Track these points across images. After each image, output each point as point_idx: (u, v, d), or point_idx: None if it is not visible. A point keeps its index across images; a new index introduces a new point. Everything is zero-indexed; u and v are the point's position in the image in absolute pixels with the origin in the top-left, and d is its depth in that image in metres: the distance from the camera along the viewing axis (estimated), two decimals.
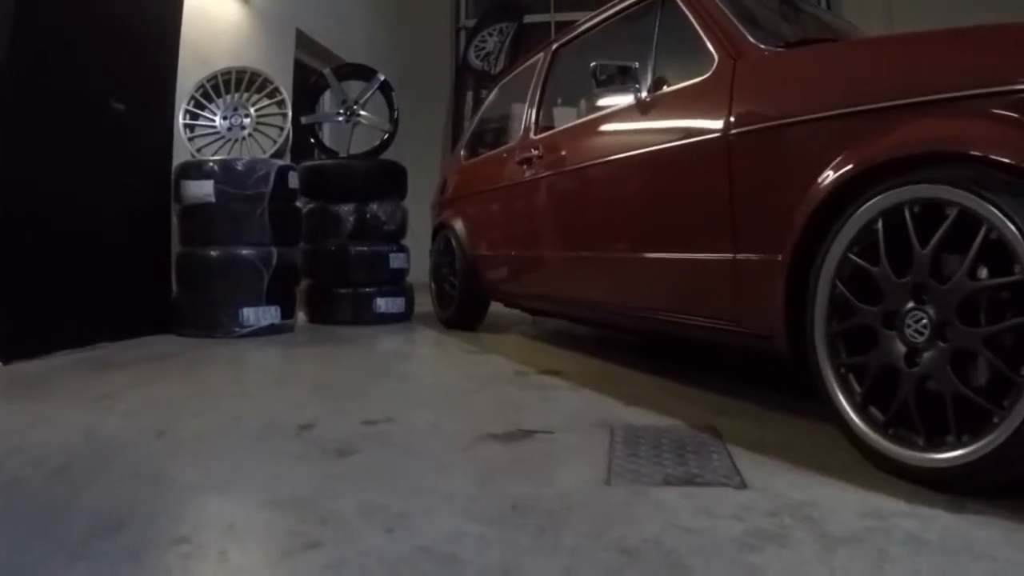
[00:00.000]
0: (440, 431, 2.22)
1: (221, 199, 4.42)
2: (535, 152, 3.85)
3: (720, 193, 2.43)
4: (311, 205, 5.27)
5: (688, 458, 1.94)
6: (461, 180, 5.09)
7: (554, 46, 4.25)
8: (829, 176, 1.98)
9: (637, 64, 3.04)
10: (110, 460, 1.91)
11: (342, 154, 5.44)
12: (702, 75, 2.67)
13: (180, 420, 2.35)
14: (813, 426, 2.19)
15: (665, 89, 2.93)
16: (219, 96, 4.82)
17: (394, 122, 5.44)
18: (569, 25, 4.28)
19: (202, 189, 4.45)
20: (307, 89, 5.66)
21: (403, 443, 2.08)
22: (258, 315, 4.49)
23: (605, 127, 3.29)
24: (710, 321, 2.58)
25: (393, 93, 5.46)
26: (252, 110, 4.77)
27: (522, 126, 4.23)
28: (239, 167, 4.45)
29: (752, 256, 2.32)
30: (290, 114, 4.79)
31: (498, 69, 9.67)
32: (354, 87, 5.60)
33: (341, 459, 1.91)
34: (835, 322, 1.94)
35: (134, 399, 2.67)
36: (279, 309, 4.59)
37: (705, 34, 2.75)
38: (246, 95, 4.78)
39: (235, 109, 4.80)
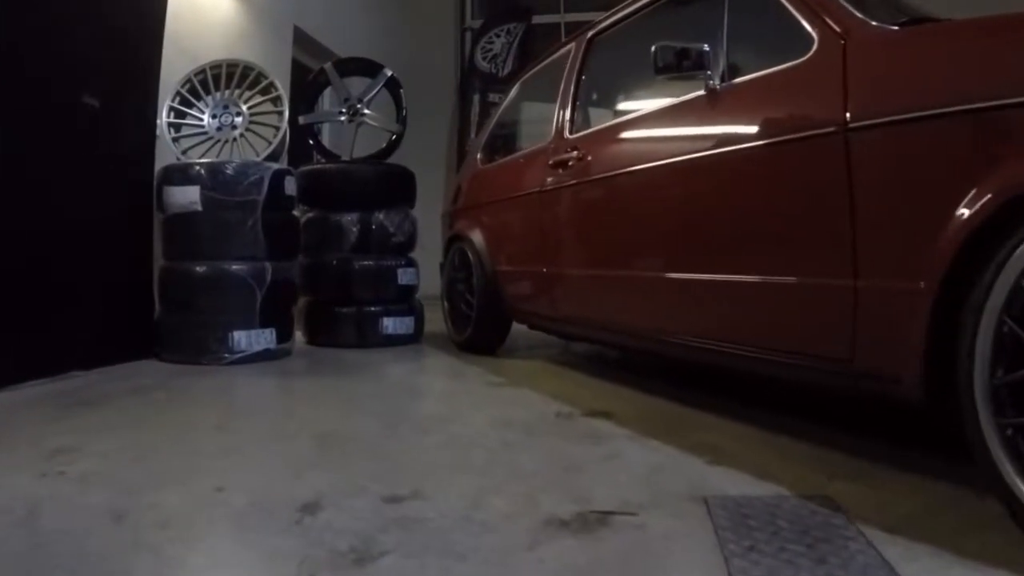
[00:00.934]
0: (487, 513, 1.68)
1: (208, 207, 3.91)
2: (573, 154, 3.34)
3: (835, 202, 1.93)
4: (310, 214, 4.75)
5: (821, 549, 1.46)
6: (479, 187, 4.57)
7: (590, 34, 3.74)
8: (995, 182, 1.50)
9: (707, 47, 2.52)
10: (44, 565, 1.37)
11: (344, 157, 4.90)
12: (796, 59, 2.17)
13: (146, 492, 1.81)
14: (955, 491, 1.77)
15: (745, 77, 2.42)
16: (208, 92, 4.30)
17: (402, 122, 4.92)
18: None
19: (187, 196, 3.93)
20: (305, 86, 5.12)
21: (442, 536, 1.55)
22: (250, 339, 3.96)
23: (666, 123, 2.80)
24: (808, 359, 2.08)
25: (401, 91, 4.94)
26: (244, 108, 4.25)
27: (553, 125, 3.72)
28: (229, 171, 3.92)
29: (881, 283, 1.83)
30: (287, 113, 4.26)
31: (506, 71, 9.21)
32: (358, 84, 5.08)
33: (360, 568, 1.38)
34: (1002, 370, 1.47)
35: (96, 455, 2.14)
36: (274, 331, 4.06)
37: (797, 9, 2.24)
38: (238, 91, 4.26)
39: (225, 107, 4.28)
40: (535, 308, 3.89)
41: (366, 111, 4.87)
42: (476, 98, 9.21)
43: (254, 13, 5.75)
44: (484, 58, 9.36)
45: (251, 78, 4.25)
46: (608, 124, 3.26)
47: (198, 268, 3.94)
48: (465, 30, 9.87)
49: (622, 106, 3.64)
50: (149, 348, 4.01)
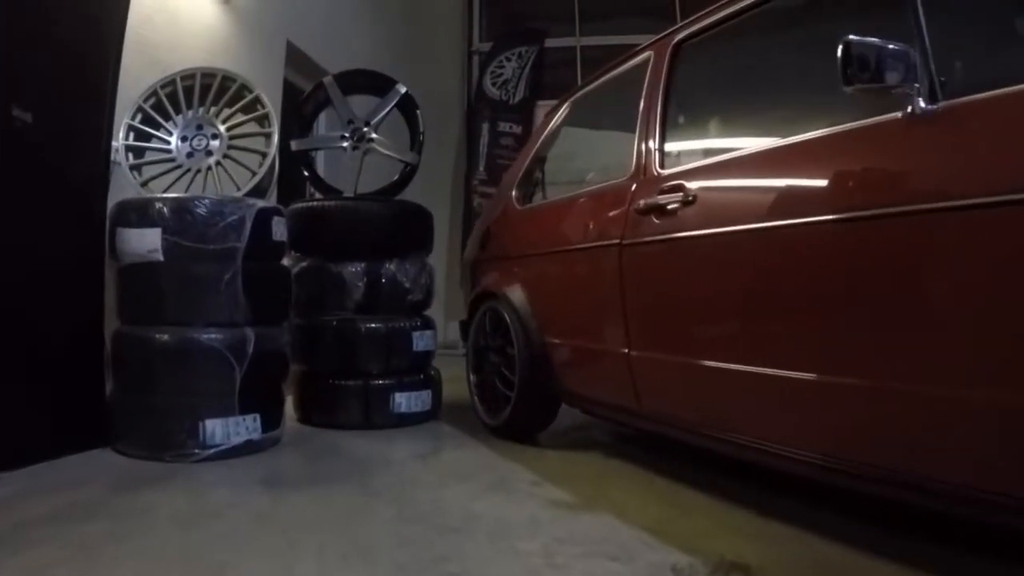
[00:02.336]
0: None
1: (173, 257, 2.99)
2: (674, 197, 2.43)
3: None
4: (304, 264, 3.80)
5: None
6: (517, 233, 3.65)
7: (678, 37, 2.85)
8: None
9: (911, 50, 1.67)
10: None
11: (347, 193, 3.94)
12: None
13: None
14: None
15: (979, 96, 1.55)
16: (177, 110, 3.36)
17: (418, 150, 3.99)
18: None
19: (145, 241, 3.01)
20: (300, 104, 4.18)
21: None
22: (227, 429, 3.02)
23: (836, 157, 1.91)
24: None
25: (418, 112, 4.02)
26: (223, 129, 3.32)
27: (633, 157, 2.81)
28: (200, 210, 2.99)
29: None
30: (276, 136, 3.33)
31: (517, 98, 8.39)
32: (363, 104, 4.15)
33: None
34: None
35: None
36: (258, 418, 3.12)
37: None
38: (215, 109, 3.33)
39: (199, 127, 3.35)
40: (604, 396, 2.97)
41: (374, 136, 3.94)
42: (485, 127, 8.38)
43: (242, 23, 4.89)
44: (493, 84, 8.55)
45: (232, 92, 3.33)
46: (732, 156, 2.34)
47: (160, 336, 3.00)
48: (473, 53, 9.03)
49: (734, 132, 2.74)
50: (101, 435, 3.07)
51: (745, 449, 2.25)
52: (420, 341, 3.81)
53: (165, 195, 3.08)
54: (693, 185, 2.40)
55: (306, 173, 4.04)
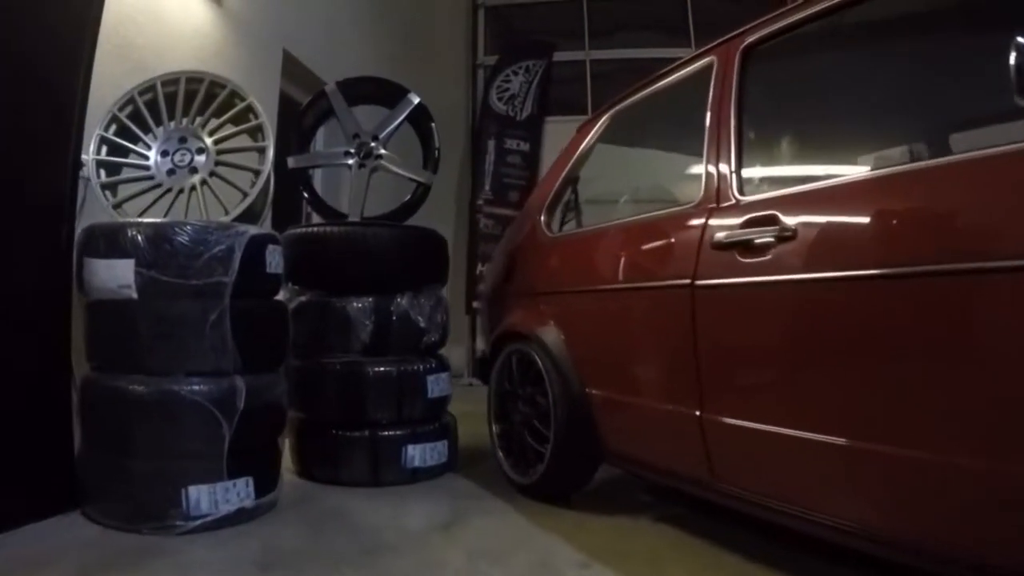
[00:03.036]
0: None
1: (149, 294, 2.52)
2: (767, 230, 1.97)
3: None
4: (303, 299, 3.31)
5: None
6: (552, 265, 3.19)
7: (749, 40, 2.41)
8: None
9: None
10: None
11: (353, 216, 3.45)
12: None
13: None
14: None
15: None
16: (158, 121, 2.89)
17: (434, 167, 3.52)
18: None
19: (116, 275, 2.54)
20: (299, 115, 3.69)
21: None
22: (215, 497, 2.55)
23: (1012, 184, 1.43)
24: None
25: (433, 125, 3.55)
26: (209, 142, 2.84)
27: (703, 181, 2.36)
28: (182, 238, 2.52)
29: None
30: (271, 151, 2.85)
31: (524, 114, 7.96)
32: (369, 115, 3.69)
33: None
34: None
35: None
36: (251, 482, 2.65)
37: None
38: (200, 119, 2.85)
39: (182, 141, 2.87)
40: (663, 462, 2.50)
41: (383, 152, 3.46)
42: (491, 144, 7.95)
43: (235, 27, 4.47)
44: (500, 99, 8.13)
45: (220, 100, 2.86)
46: (843, 182, 1.88)
47: (134, 387, 2.52)
48: (477, 67, 8.61)
49: (825, 151, 2.28)
50: (69, 498, 2.62)
51: (854, 536, 1.77)
52: (435, 386, 3.32)
53: (140, 220, 2.60)
54: (791, 217, 1.94)
55: (305, 194, 3.55)
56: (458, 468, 3.52)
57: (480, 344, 7.90)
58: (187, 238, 2.52)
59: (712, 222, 2.25)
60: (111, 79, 3.11)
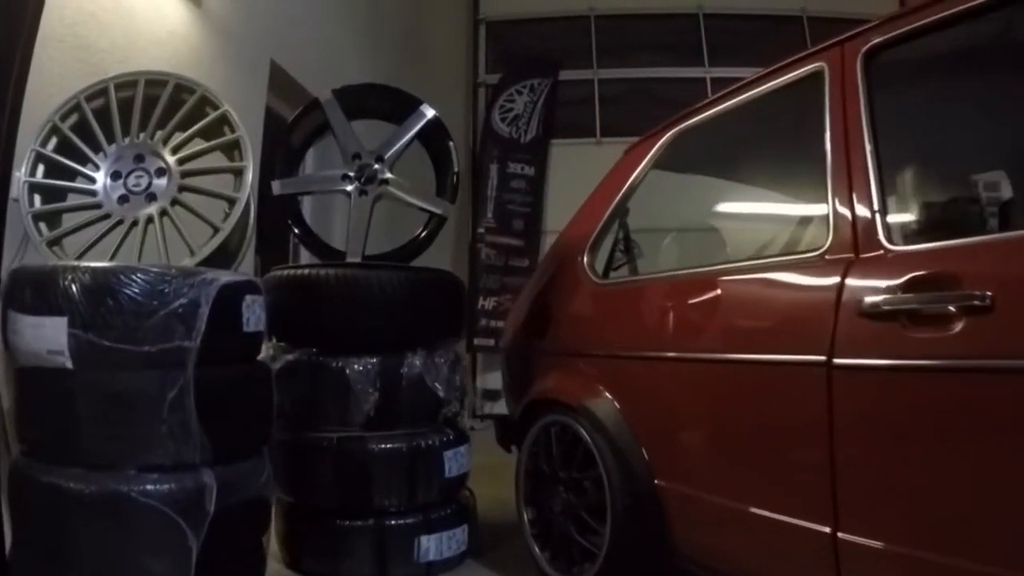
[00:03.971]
0: None
1: (88, 363, 1.89)
2: (947, 296, 1.38)
3: None
4: (290, 358, 2.64)
5: None
6: (605, 320, 2.60)
7: (873, 42, 1.82)
8: None
9: None
10: None
11: (352, 256, 2.78)
12: None
13: None
14: None
15: None
16: (110, 136, 2.25)
17: (451, 194, 2.88)
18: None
19: (44, 337, 1.92)
20: (287, 128, 3.02)
21: None
22: None
23: None
24: None
25: (451, 144, 2.92)
26: (172, 161, 2.20)
27: (830, 222, 1.78)
28: (130, 289, 1.89)
29: None
30: (252, 173, 2.21)
31: (529, 136, 7.39)
32: (371, 130, 3.06)
33: None
34: None
35: None
36: None
37: None
38: (161, 133, 2.22)
39: (138, 159, 2.24)
40: None
41: (389, 176, 2.81)
42: (494, 168, 7.37)
43: (217, 33, 3.89)
44: (503, 120, 7.56)
45: (188, 107, 2.22)
46: None
47: (72, 484, 1.89)
48: (479, 86, 8.03)
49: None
50: None
51: None
52: (454, 463, 2.69)
53: (76, 264, 1.95)
54: (981, 278, 1.33)
55: (294, 228, 2.89)
56: (479, 552, 2.89)
57: (481, 382, 7.27)
58: (138, 289, 1.88)
59: (853, 281, 1.65)
60: (67, 87, 2.51)
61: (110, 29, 3.11)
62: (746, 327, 1.97)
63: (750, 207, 2.78)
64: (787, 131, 2.19)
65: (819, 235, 1.82)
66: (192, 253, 2.09)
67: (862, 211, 1.72)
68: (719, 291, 2.09)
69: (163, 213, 2.15)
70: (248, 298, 2.10)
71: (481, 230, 7.20)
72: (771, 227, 2.34)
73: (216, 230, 2.11)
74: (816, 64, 2.03)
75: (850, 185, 1.78)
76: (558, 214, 7.59)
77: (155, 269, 1.92)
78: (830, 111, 1.91)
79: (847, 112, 1.86)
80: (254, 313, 2.12)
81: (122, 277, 1.88)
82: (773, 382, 1.81)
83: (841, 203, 1.78)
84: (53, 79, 2.72)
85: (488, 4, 8.23)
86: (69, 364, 1.90)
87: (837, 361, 1.62)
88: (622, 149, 2.86)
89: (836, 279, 1.69)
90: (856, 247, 1.70)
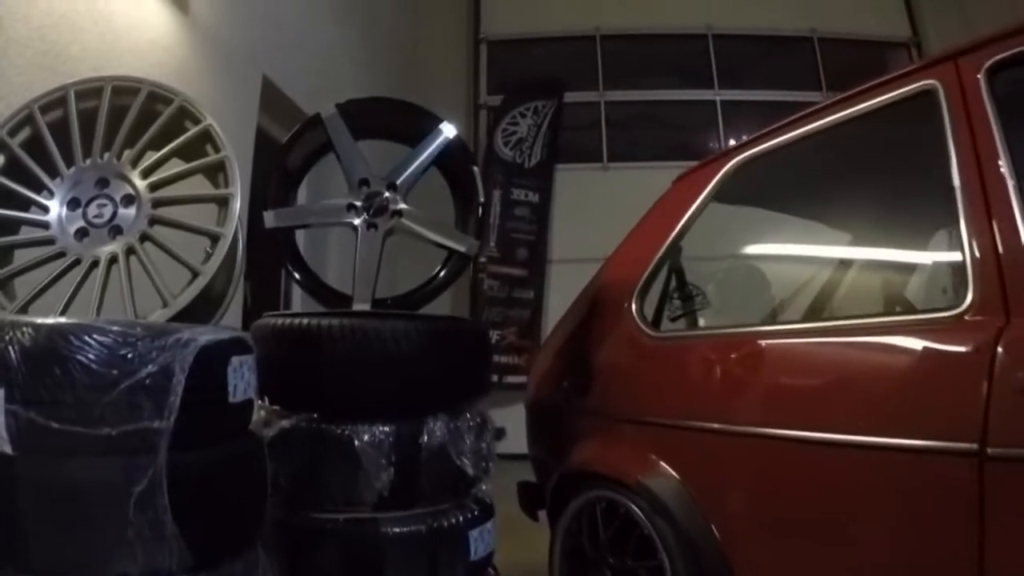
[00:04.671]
0: None
1: (32, 448, 1.45)
2: None
3: None
4: (285, 424, 2.18)
5: None
6: (667, 381, 2.18)
7: (999, 57, 1.49)
8: None
9: None
10: None
11: (360, 302, 2.31)
12: None
13: None
14: None
15: None
16: (67, 156, 1.83)
17: (475, 228, 2.45)
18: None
19: None
20: (282, 148, 2.55)
21: None
22: None
23: None
24: None
25: (475, 168, 2.49)
26: (143, 186, 1.77)
27: (969, 272, 1.40)
28: (85, 354, 1.46)
29: None
30: (238, 201, 1.78)
31: (534, 161, 7.01)
32: (379, 151, 2.65)
33: None
34: None
35: None
36: None
37: None
38: (129, 152, 1.79)
39: (101, 183, 1.81)
40: None
41: (403, 206, 2.37)
42: (497, 194, 7.00)
43: (205, 44, 3.54)
44: (506, 143, 7.19)
45: (163, 121, 1.80)
46: None
47: None
48: (480, 107, 7.65)
49: None
50: None
51: None
52: (480, 543, 2.25)
53: (16, 319, 1.52)
54: None
55: (290, 269, 2.43)
56: None
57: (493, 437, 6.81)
58: (94, 354, 1.45)
59: (1008, 349, 1.24)
60: (32, 97, 2.09)
61: (83, 33, 2.80)
62: (862, 404, 1.56)
63: (844, 250, 2.38)
64: (889, 159, 1.81)
65: (952, 289, 1.43)
66: (165, 303, 1.65)
67: (1014, 261, 1.33)
68: (822, 356, 1.68)
69: (130, 251, 1.72)
70: (235, 361, 1.66)
71: (483, 260, 6.79)
72: (876, 276, 1.96)
73: (195, 274, 1.68)
74: (924, 82, 1.65)
75: (992, 227, 1.39)
76: (564, 243, 7.21)
77: (116, 328, 1.49)
78: (954, 135, 1.52)
79: (977, 137, 1.49)
80: (242, 378, 1.69)
81: (73, 339, 1.45)
82: (902, 472, 1.42)
83: (983, 250, 1.39)
84: (16, 88, 2.40)
85: (489, 22, 7.88)
86: (8, 449, 1.47)
87: (992, 451, 1.22)
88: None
89: (984, 347, 1.29)
90: (1007, 306, 1.31)
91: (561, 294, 7.06)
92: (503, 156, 7.11)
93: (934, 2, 7.84)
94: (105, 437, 1.46)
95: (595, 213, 7.15)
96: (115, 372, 1.46)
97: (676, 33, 7.92)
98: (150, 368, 1.49)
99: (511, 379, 6.28)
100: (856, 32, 7.92)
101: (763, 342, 1.88)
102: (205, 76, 3.58)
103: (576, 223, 7.17)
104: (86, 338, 1.45)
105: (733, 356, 1.96)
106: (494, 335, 6.67)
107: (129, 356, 1.47)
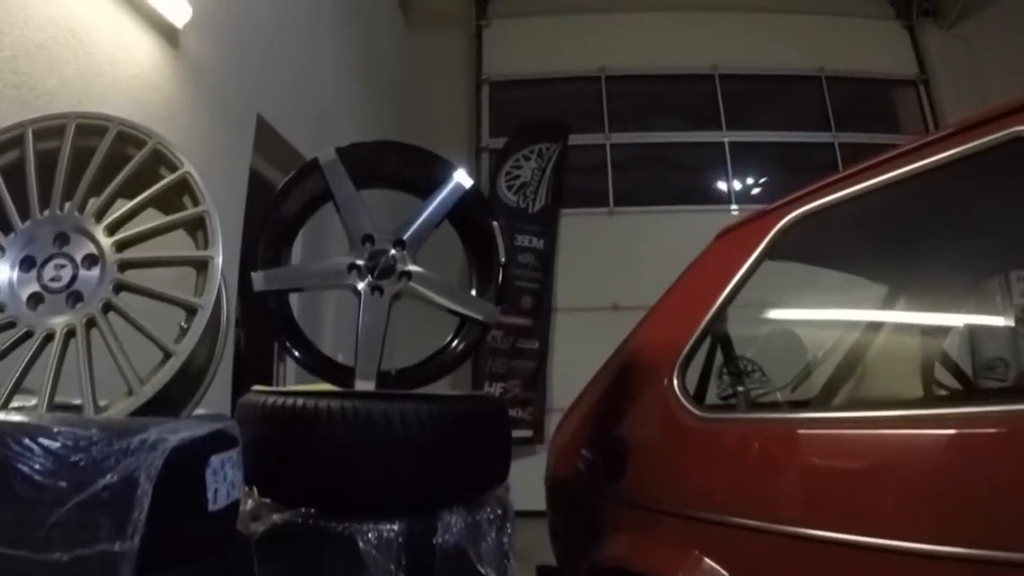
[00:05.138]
0: None
1: None
2: None
3: None
4: (278, 519, 1.85)
5: None
6: (719, 470, 1.87)
7: None
8: None
9: None
10: None
11: (363, 378, 1.95)
12: None
13: None
14: None
15: None
16: (23, 208, 1.53)
17: (495, 294, 2.14)
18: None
19: None
20: (274, 200, 2.19)
21: None
22: None
23: None
24: None
25: (495, 224, 2.19)
26: (107, 244, 1.47)
27: None
28: (28, 463, 1.14)
29: None
30: (219, 265, 1.48)
31: (538, 206, 6.76)
32: (380, 204, 2.36)
33: None
34: None
35: None
36: None
37: None
38: (94, 201, 1.50)
39: (60, 240, 1.51)
40: None
41: (412, 268, 2.07)
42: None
43: (195, 80, 3.32)
44: (509, 188, 6.96)
45: (134, 166, 1.51)
46: None
47: None
48: (482, 150, 7.42)
49: None
50: None
51: None
52: None
53: None
54: None
55: (284, 342, 2.09)
56: None
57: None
58: (39, 462, 1.16)
59: None
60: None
61: (61, 65, 2.56)
62: (968, 509, 1.26)
63: (933, 318, 2.10)
64: (980, 213, 1.52)
65: None
66: (130, 389, 1.35)
67: None
68: (914, 450, 1.39)
69: (90, 323, 1.43)
70: (215, 461, 1.37)
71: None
72: (975, 350, 1.66)
73: (167, 355, 1.38)
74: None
75: None
76: (570, 290, 6.95)
77: (65, 428, 1.19)
78: None
79: None
80: (225, 480, 1.39)
81: (12, 442, 1.16)
82: None
83: None
84: None
85: (491, 62, 7.70)
86: None
87: None
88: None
89: None
90: None
91: (567, 344, 6.79)
92: (506, 201, 6.87)
93: (941, 40, 7.73)
94: (55, 564, 1.16)
95: (601, 259, 6.92)
96: (64, 484, 1.16)
97: (682, 73, 7.77)
98: (109, 478, 1.19)
99: (516, 433, 5.95)
100: (864, 70, 7.79)
101: (840, 431, 1.59)
102: (195, 114, 3.33)
103: (582, 270, 6.93)
104: (28, 442, 1.16)
105: (802, 446, 1.67)
106: (497, 387, 6.37)
107: (82, 464, 1.18)
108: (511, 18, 7.83)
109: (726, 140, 7.51)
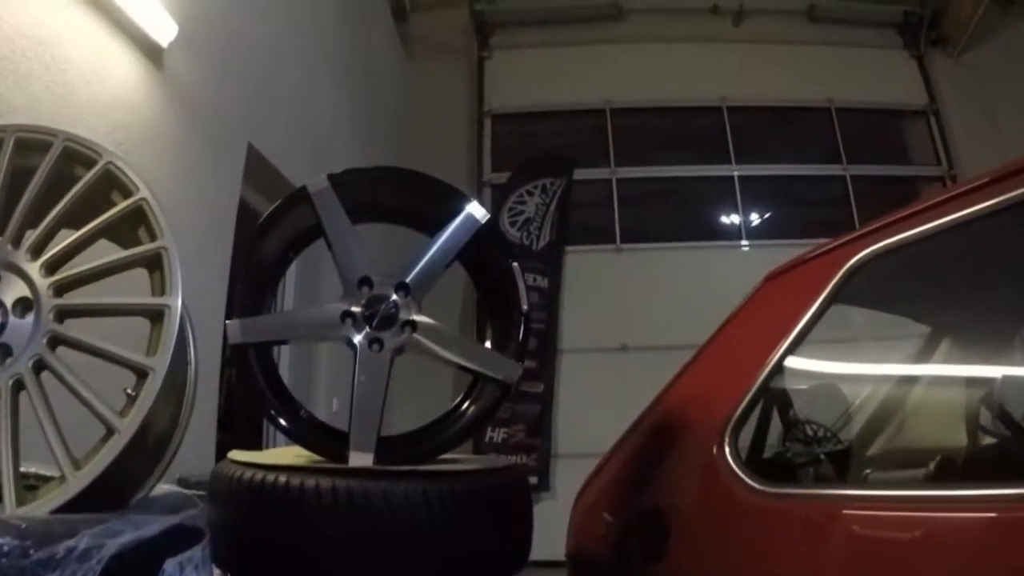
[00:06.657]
0: None
1: None
2: None
3: None
4: None
5: None
6: (782, 553, 1.53)
7: None
8: None
9: None
10: None
11: (359, 451, 1.59)
12: None
13: None
14: None
15: None
16: None
17: (516, 349, 1.82)
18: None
19: None
20: (256, 236, 1.87)
21: None
22: None
23: None
24: None
25: (516, 267, 1.87)
26: (44, 286, 1.17)
27: None
28: None
29: None
30: (176, 317, 1.18)
31: (543, 243, 6.51)
32: (380, 240, 2.05)
33: None
34: None
35: None
36: None
37: None
38: (32, 233, 1.20)
39: None
40: None
41: (417, 317, 1.74)
42: None
43: (180, 103, 3.11)
44: (513, 224, 6.72)
45: (81, 188, 1.21)
46: None
47: None
48: (484, 185, 7.18)
49: None
50: None
51: None
52: None
53: None
54: None
55: (271, 413, 1.72)
56: None
57: None
58: None
59: None
60: None
61: (29, 80, 2.30)
62: None
63: None
64: None
65: None
66: (63, 475, 1.05)
67: None
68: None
69: (18, 385, 1.12)
70: (171, 566, 1.05)
71: None
72: None
73: (110, 432, 1.08)
74: None
75: None
76: (576, 331, 6.67)
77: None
78: None
79: None
80: None
81: None
82: None
83: None
84: None
85: (494, 95, 7.49)
86: None
87: None
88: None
89: None
90: None
91: (573, 386, 6.49)
92: (510, 237, 6.60)
93: (949, 69, 7.57)
94: None
95: (608, 298, 6.66)
96: None
97: (689, 106, 7.57)
98: None
99: None
100: (873, 101, 7.61)
101: (962, 514, 1.29)
102: (179, 140, 3.07)
103: (588, 309, 6.67)
104: None
105: (893, 528, 1.36)
106: (501, 433, 6.06)
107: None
108: (514, 50, 7.64)
109: (736, 174, 7.29)
